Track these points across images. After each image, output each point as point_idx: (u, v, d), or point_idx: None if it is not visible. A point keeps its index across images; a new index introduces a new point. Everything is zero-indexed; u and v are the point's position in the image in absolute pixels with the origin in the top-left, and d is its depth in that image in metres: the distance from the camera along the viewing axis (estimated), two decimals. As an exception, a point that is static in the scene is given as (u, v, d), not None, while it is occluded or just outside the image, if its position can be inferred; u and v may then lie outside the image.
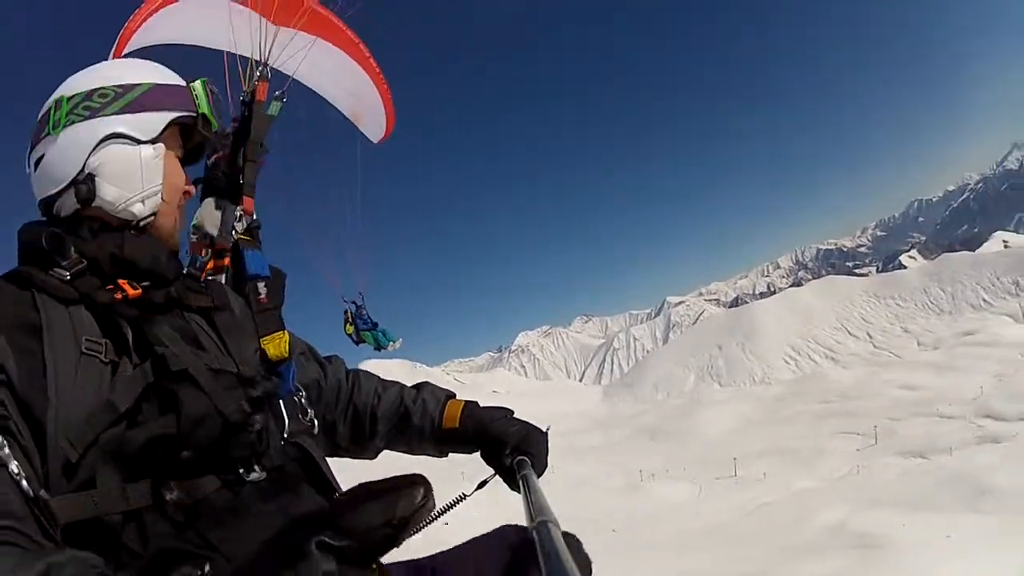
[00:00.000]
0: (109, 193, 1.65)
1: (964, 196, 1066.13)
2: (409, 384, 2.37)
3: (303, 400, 1.94)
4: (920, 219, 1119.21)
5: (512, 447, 2.02)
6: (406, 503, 1.11)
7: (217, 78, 2.38)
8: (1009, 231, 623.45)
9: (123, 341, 1.49)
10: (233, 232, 2.56)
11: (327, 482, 1.76)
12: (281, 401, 1.77)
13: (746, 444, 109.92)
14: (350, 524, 1.10)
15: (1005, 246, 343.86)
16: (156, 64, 1.89)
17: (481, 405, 2.23)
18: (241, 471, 1.51)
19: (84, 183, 1.63)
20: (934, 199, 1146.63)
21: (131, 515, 1.34)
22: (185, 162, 1.91)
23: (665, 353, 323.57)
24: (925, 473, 71.19)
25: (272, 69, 3.15)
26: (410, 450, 2.28)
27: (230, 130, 2.90)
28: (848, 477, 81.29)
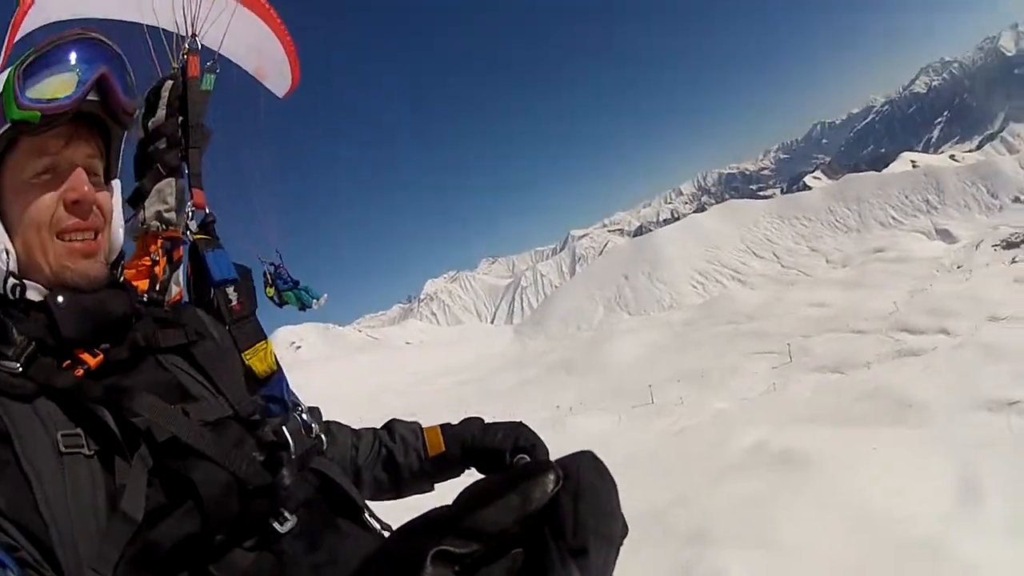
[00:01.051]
0: None
1: (869, 118, 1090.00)
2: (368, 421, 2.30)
3: (303, 415, 1.77)
4: (824, 141, 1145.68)
5: (509, 451, 1.92)
6: (541, 490, 1.01)
7: (137, 56, 2.18)
8: (917, 151, 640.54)
9: (99, 424, 1.33)
10: (187, 232, 2.35)
11: (354, 504, 1.62)
12: (284, 429, 1.59)
13: (660, 371, 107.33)
14: (478, 524, 0.99)
15: (913, 166, 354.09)
16: None
17: (453, 424, 2.11)
18: (273, 524, 1.36)
19: None
20: (837, 121, 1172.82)
21: None
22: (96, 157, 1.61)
23: (572, 287, 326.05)
24: (843, 388, 72.93)
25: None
26: (399, 493, 2.13)
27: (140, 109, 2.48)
28: (765, 396, 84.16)
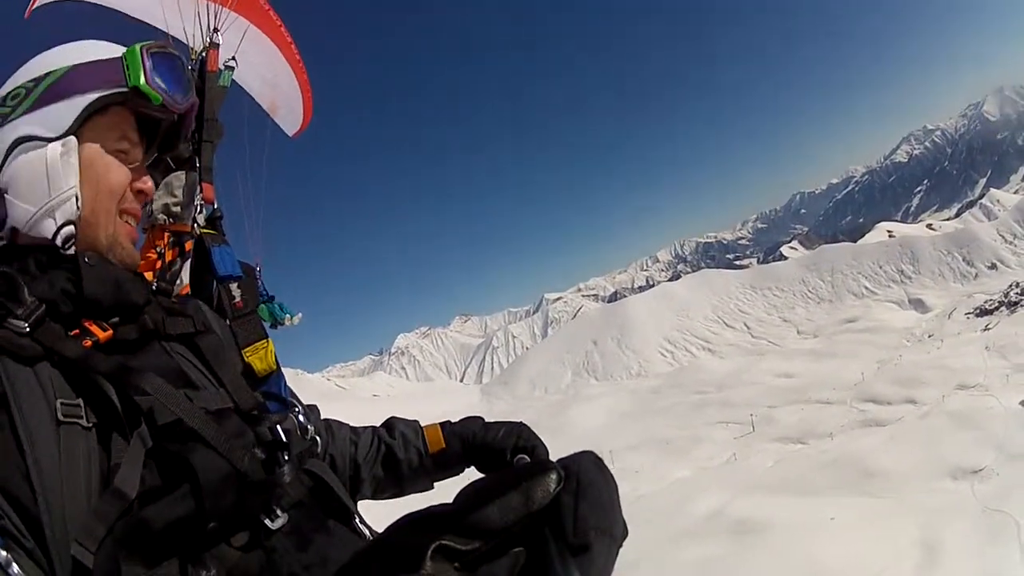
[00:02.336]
0: (17, 211, 1.43)
1: (848, 188, 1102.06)
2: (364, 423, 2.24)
3: (300, 416, 1.70)
4: (802, 211, 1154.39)
5: (510, 450, 1.90)
6: (543, 490, 0.99)
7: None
8: (895, 221, 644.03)
9: (102, 398, 1.29)
10: (195, 225, 2.30)
11: (345, 508, 1.60)
12: (279, 428, 1.53)
13: (622, 437, 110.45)
14: (479, 522, 0.96)
15: (889, 235, 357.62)
16: (88, 41, 1.60)
17: (454, 421, 2.10)
18: (265, 520, 1.35)
19: None
20: (817, 191, 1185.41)
21: None
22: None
23: (541, 350, 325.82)
24: (805, 458, 71.83)
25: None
26: (400, 490, 2.10)
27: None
28: (726, 465, 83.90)
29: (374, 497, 2.07)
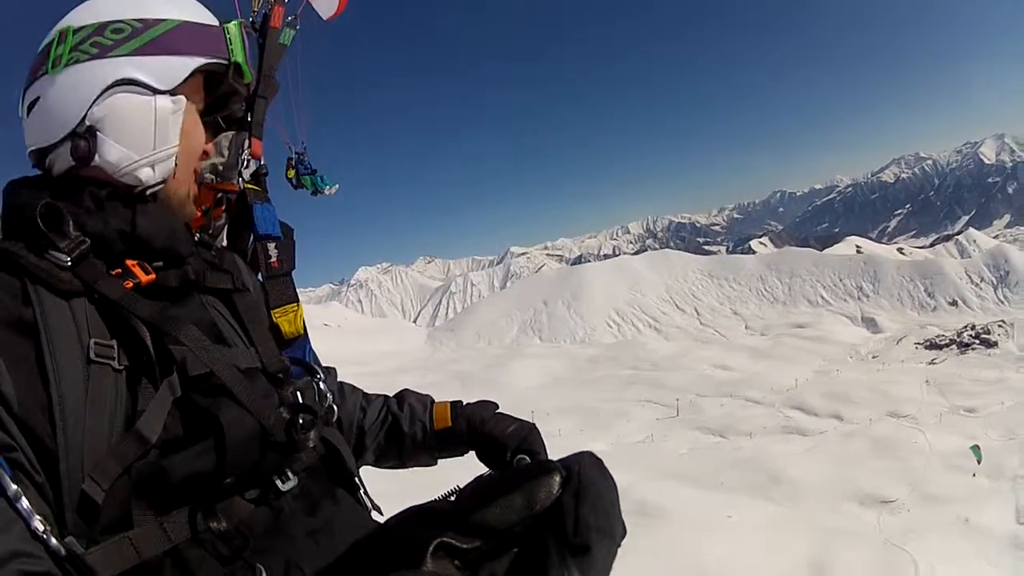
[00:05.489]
0: (112, 153, 1.40)
1: (830, 196, 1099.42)
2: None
3: (321, 384, 1.73)
4: (780, 209, 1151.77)
5: (513, 449, 1.88)
6: (545, 491, 0.99)
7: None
8: (869, 238, 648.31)
9: (136, 342, 1.29)
10: (240, 179, 2.21)
11: (351, 479, 1.63)
12: (301, 393, 1.57)
13: (551, 400, 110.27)
14: (482, 521, 0.97)
15: (857, 251, 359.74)
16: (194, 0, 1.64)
17: (466, 403, 2.09)
18: (276, 481, 1.37)
19: (83, 138, 1.39)
20: (798, 193, 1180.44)
21: (169, 551, 1.21)
22: (204, 114, 1.66)
23: (493, 302, 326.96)
24: (718, 452, 72.23)
25: None
26: (401, 462, 2.11)
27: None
28: (642, 444, 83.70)
29: (376, 464, 2.10)
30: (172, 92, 1.46)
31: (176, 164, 1.49)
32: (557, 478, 1.00)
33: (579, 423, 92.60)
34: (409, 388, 2.19)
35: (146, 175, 1.44)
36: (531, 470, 1.04)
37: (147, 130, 1.43)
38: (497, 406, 2.04)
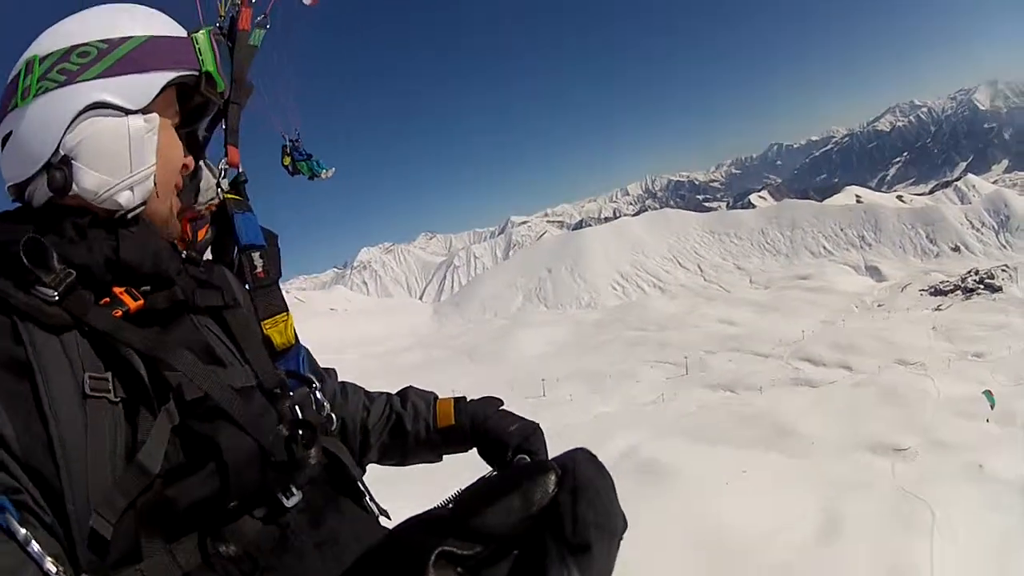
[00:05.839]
0: (89, 180, 1.39)
1: (827, 147, 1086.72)
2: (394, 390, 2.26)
3: (318, 393, 1.73)
4: (778, 163, 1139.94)
5: (514, 448, 1.90)
6: (542, 491, 0.97)
7: (180, 4, 2.20)
8: (869, 187, 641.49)
9: (131, 372, 1.29)
10: (218, 191, 2.25)
11: (355, 486, 1.64)
12: (299, 408, 1.56)
13: (559, 367, 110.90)
14: (481, 527, 0.95)
15: (857, 200, 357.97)
16: (152, 10, 1.59)
17: (471, 399, 2.11)
18: (280, 498, 1.37)
19: (59, 168, 1.37)
20: (795, 145, 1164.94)
21: None
22: (180, 127, 1.64)
23: (496, 273, 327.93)
24: (728, 408, 72.05)
25: None
26: (404, 460, 2.14)
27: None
28: (651, 405, 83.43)
29: (379, 462, 2.11)
30: (144, 111, 1.44)
31: (155, 183, 1.47)
32: (552, 477, 0.99)
33: (588, 388, 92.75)
34: (413, 385, 2.20)
35: (126, 199, 1.42)
36: (526, 470, 1.03)
37: (122, 153, 1.41)
38: (502, 403, 2.05)
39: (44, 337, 1.23)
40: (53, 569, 1.07)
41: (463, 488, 1.11)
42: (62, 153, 1.36)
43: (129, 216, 1.44)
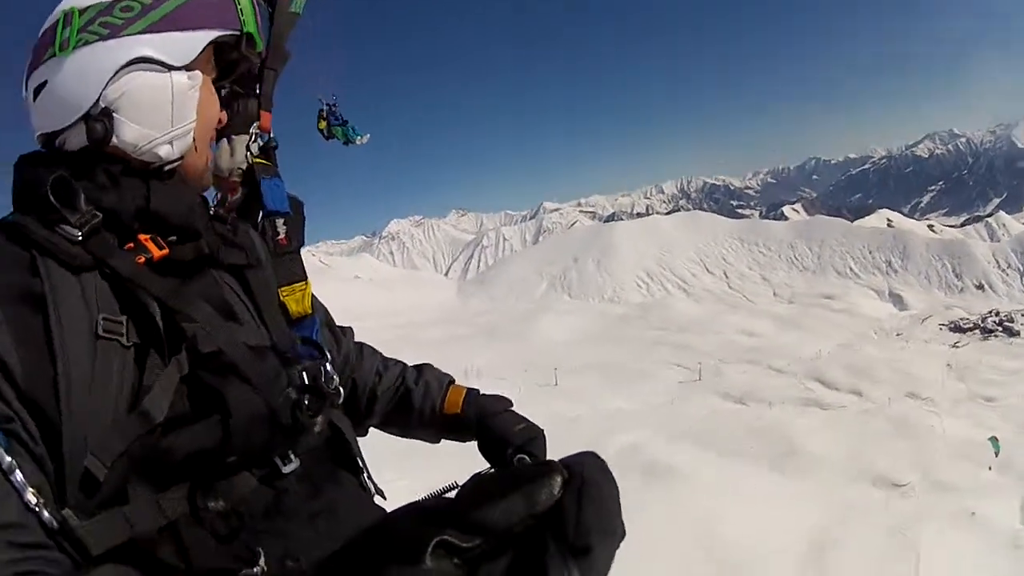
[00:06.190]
0: (129, 133, 1.40)
1: (865, 167, 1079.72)
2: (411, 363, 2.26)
3: (328, 366, 1.65)
4: (815, 177, 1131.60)
5: (515, 448, 1.88)
6: (547, 493, 0.95)
7: None
8: (901, 212, 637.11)
9: (147, 318, 1.29)
10: (247, 155, 2.27)
11: (355, 461, 1.65)
12: (308, 373, 1.51)
13: (577, 356, 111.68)
14: (482, 521, 0.93)
15: (888, 224, 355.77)
16: None
17: (482, 393, 2.10)
18: (278, 462, 1.37)
19: (99, 120, 1.37)
20: (833, 161, 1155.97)
21: (164, 527, 1.21)
22: (215, 82, 1.66)
23: (524, 257, 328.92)
24: (738, 419, 73.11)
25: None
26: (404, 432, 2.16)
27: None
28: (663, 406, 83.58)
29: (379, 428, 2.12)
30: (188, 67, 1.46)
31: (194, 139, 1.50)
32: (559, 479, 0.97)
33: (603, 381, 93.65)
34: (431, 364, 2.20)
35: (165, 152, 1.44)
36: (533, 470, 1.00)
37: (164, 108, 1.43)
38: (511, 403, 2.03)
39: (62, 274, 1.23)
40: (33, 500, 1.07)
41: (466, 480, 1.09)
42: (103, 105, 1.37)
43: (165, 169, 1.46)
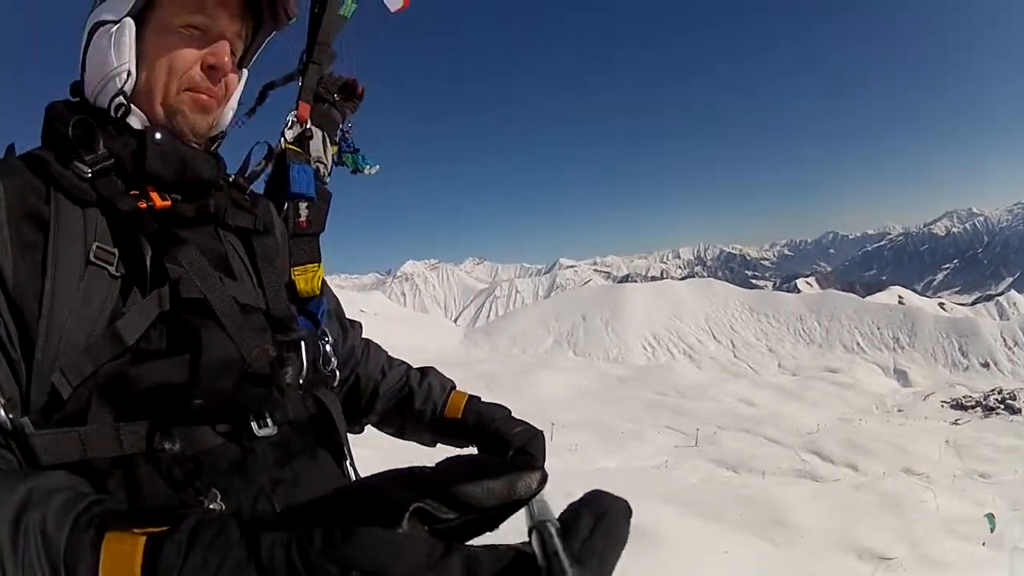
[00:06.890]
0: (87, 89, 1.50)
1: (881, 243, 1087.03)
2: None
3: (327, 346, 1.74)
4: (831, 251, 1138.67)
5: (516, 448, 1.92)
6: (526, 485, 0.93)
7: None
8: (913, 290, 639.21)
9: (138, 257, 1.32)
10: (281, 140, 2.38)
11: (340, 447, 1.63)
12: (304, 344, 1.57)
13: (572, 413, 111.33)
14: (462, 496, 0.91)
15: (900, 301, 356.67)
16: None
17: (482, 400, 2.10)
18: (252, 423, 1.36)
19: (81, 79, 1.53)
20: (850, 236, 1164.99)
21: (119, 460, 1.19)
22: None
23: (532, 310, 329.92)
24: (726, 485, 72.16)
25: None
26: (401, 433, 2.15)
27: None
28: (654, 469, 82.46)
29: (377, 426, 2.14)
30: (124, 17, 1.46)
31: (132, 80, 1.46)
32: (538, 475, 0.95)
33: (596, 440, 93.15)
34: (435, 368, 2.18)
35: (102, 98, 1.46)
36: (519, 463, 0.97)
37: (102, 59, 1.45)
38: (510, 412, 2.04)
39: (68, 205, 1.28)
40: (2, 412, 1.10)
41: (449, 457, 1.04)
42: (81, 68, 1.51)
43: (117, 113, 1.45)
